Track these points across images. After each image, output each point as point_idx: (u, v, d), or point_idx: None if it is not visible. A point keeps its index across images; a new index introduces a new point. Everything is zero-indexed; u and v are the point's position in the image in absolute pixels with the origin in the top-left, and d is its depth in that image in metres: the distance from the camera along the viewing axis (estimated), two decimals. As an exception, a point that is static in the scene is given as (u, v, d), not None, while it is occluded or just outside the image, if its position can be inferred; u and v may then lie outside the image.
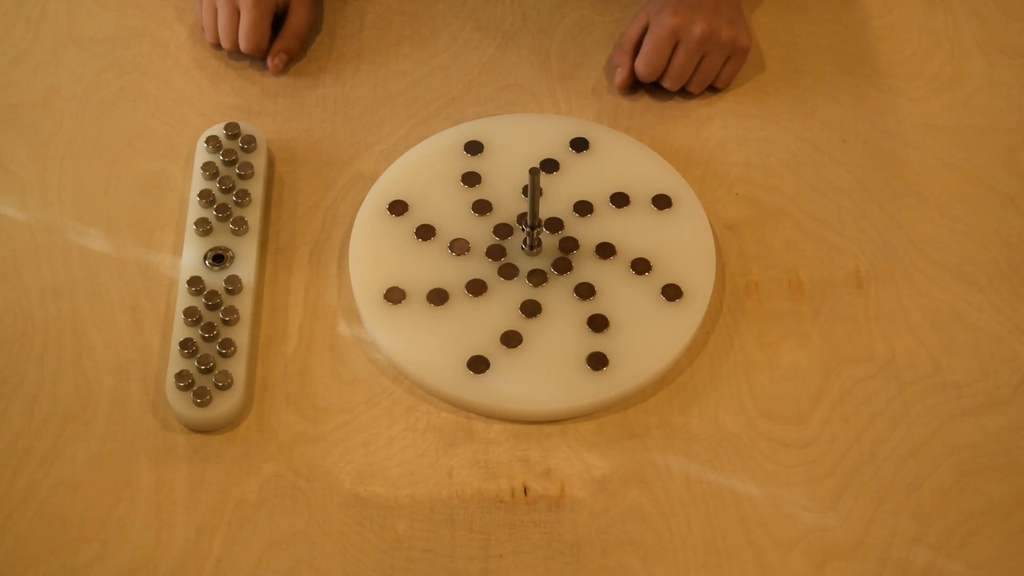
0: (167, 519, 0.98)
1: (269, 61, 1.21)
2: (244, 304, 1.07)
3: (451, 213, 1.12)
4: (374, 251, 1.10)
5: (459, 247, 1.10)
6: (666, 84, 1.20)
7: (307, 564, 0.97)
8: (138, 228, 1.13)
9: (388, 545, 0.98)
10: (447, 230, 1.11)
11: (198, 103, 1.20)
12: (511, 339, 1.05)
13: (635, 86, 1.21)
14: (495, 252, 1.10)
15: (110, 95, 1.21)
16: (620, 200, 1.12)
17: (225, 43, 1.21)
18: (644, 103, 1.21)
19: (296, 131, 1.18)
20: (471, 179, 1.14)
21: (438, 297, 1.07)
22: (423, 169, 1.14)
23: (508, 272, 1.08)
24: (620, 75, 1.20)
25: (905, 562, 0.97)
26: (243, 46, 1.20)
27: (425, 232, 1.11)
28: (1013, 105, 1.21)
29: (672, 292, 1.07)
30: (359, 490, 1.00)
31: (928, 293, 1.10)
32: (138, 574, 0.96)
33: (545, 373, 1.04)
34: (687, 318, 1.06)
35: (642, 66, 1.19)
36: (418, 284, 1.08)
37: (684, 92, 1.21)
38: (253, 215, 1.11)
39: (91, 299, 1.09)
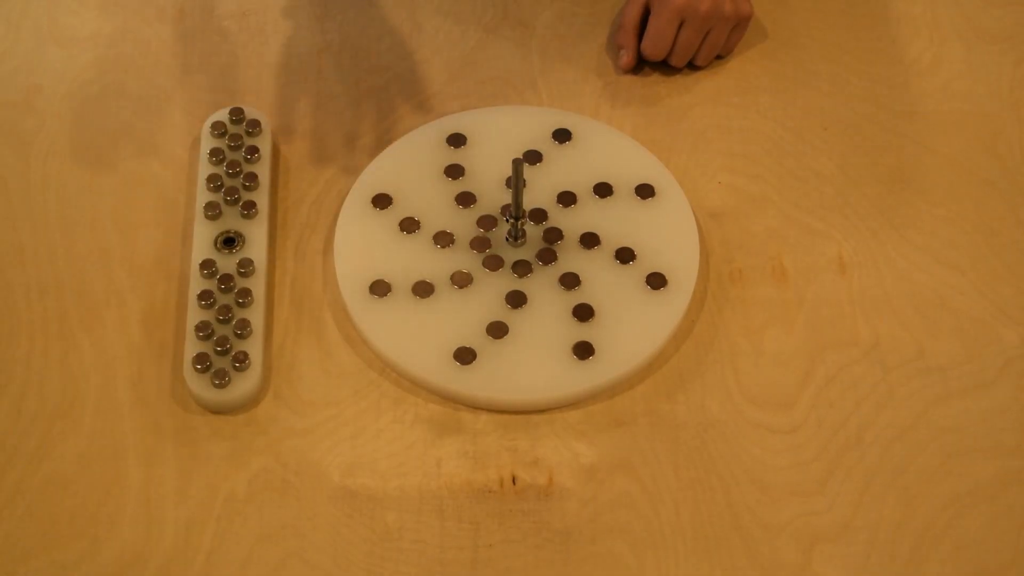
0: (157, 514, 0.98)
1: None
2: (257, 286, 1.07)
3: (435, 206, 1.12)
4: (359, 245, 1.10)
5: (443, 239, 1.10)
6: (673, 62, 1.21)
7: (298, 557, 0.97)
8: (122, 225, 1.13)
9: (378, 536, 0.98)
10: (431, 223, 1.11)
11: (180, 101, 1.20)
12: (497, 330, 1.05)
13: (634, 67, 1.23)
14: (479, 244, 1.10)
15: (92, 94, 1.21)
16: (603, 190, 1.13)
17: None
18: (626, 94, 1.21)
19: (278, 127, 1.18)
20: (454, 171, 1.14)
21: (423, 289, 1.07)
22: (406, 162, 1.15)
23: (493, 263, 1.09)
24: (625, 57, 1.21)
25: (892, 544, 0.98)
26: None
27: (409, 225, 1.11)
28: (992, 90, 1.22)
29: (657, 281, 1.08)
30: (348, 483, 1.00)
31: (911, 278, 1.10)
32: (129, 569, 0.96)
33: (531, 363, 1.04)
34: (672, 306, 1.07)
35: (650, 47, 1.20)
36: (403, 277, 1.08)
37: (667, 81, 1.22)
38: (261, 198, 1.12)
39: (76, 297, 1.09)
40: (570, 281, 1.08)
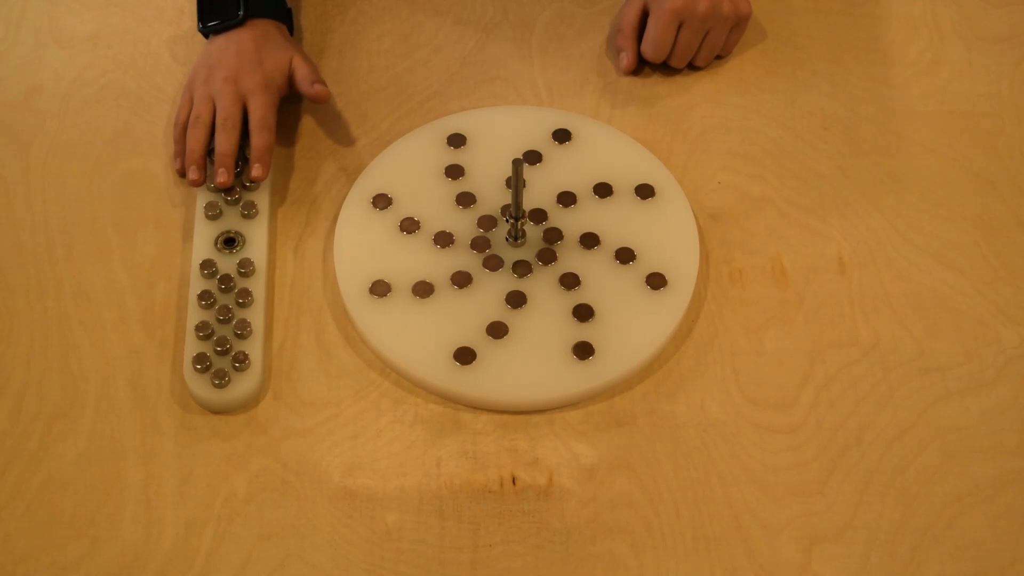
0: (156, 515, 0.98)
1: (314, 87, 1.14)
2: (257, 286, 1.07)
3: (435, 206, 1.12)
4: (359, 245, 1.10)
5: (443, 239, 1.10)
6: (673, 63, 1.21)
7: (297, 557, 0.97)
8: (122, 226, 1.13)
9: (377, 537, 0.98)
10: (431, 223, 1.11)
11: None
12: (497, 330, 1.05)
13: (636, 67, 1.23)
14: (480, 244, 1.10)
15: (92, 94, 1.21)
16: (603, 190, 1.13)
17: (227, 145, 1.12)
18: (626, 94, 1.21)
19: (279, 126, 1.18)
20: (454, 172, 1.14)
21: (423, 289, 1.07)
22: (406, 163, 1.15)
23: (493, 263, 1.09)
24: (626, 59, 1.21)
25: (892, 544, 0.98)
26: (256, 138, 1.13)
27: (409, 225, 1.11)
28: (992, 90, 1.22)
29: (656, 281, 1.08)
30: (348, 483, 1.00)
31: (911, 278, 1.10)
32: (128, 569, 0.96)
33: (531, 363, 1.04)
34: (672, 306, 1.07)
35: (650, 49, 1.20)
36: (403, 277, 1.08)
37: (667, 81, 1.22)
38: (262, 198, 1.12)
39: (76, 297, 1.09)
40: (570, 281, 1.08)
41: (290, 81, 1.16)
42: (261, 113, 1.12)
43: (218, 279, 1.07)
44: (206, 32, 1.17)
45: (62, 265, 1.10)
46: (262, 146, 1.12)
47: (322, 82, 1.15)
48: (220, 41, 1.16)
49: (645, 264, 1.09)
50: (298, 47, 1.18)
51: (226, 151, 1.11)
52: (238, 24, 1.15)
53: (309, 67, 1.16)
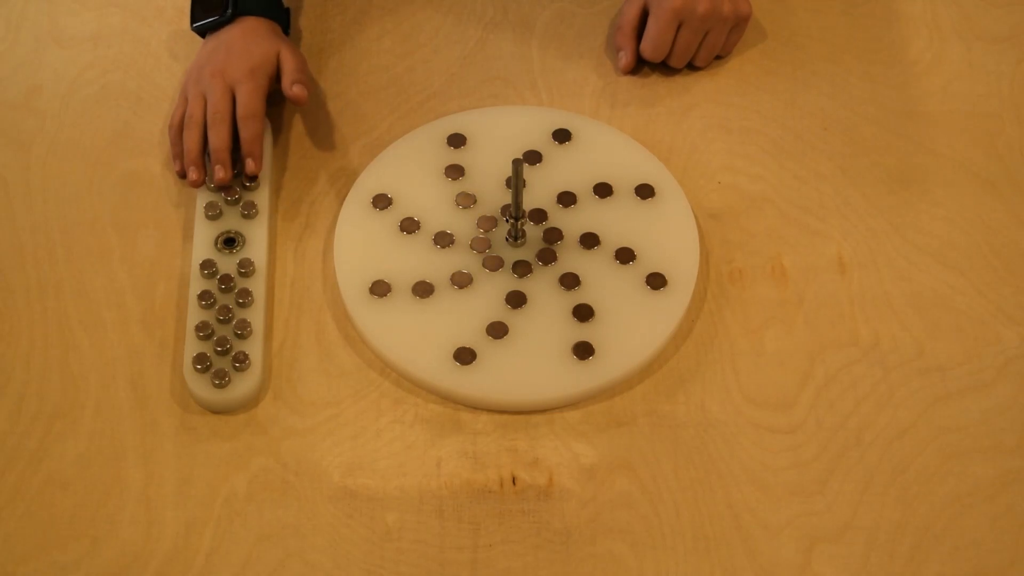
0: (157, 515, 0.98)
1: (292, 88, 1.14)
2: (257, 286, 1.07)
3: (435, 206, 1.12)
4: (359, 245, 1.10)
5: (443, 239, 1.10)
6: (672, 63, 1.21)
7: (297, 557, 0.97)
8: (122, 226, 1.13)
9: (378, 537, 0.98)
10: (431, 223, 1.11)
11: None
12: (497, 330, 1.05)
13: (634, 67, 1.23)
14: (480, 244, 1.10)
15: (92, 94, 1.21)
16: (603, 190, 1.13)
17: (220, 137, 1.11)
18: (626, 94, 1.21)
19: (278, 126, 1.18)
20: (454, 172, 1.14)
21: (423, 290, 1.07)
22: (406, 163, 1.15)
23: (493, 264, 1.09)
24: (625, 58, 1.21)
25: (892, 544, 0.98)
26: (242, 118, 1.13)
27: (409, 225, 1.11)
28: (992, 90, 1.22)
29: (656, 281, 1.08)
30: (348, 483, 1.00)
31: (911, 278, 1.10)
32: (128, 570, 0.96)
33: (531, 363, 1.04)
34: (672, 306, 1.07)
35: (649, 49, 1.20)
36: (403, 277, 1.08)
37: (667, 81, 1.22)
38: (262, 198, 1.12)
39: (76, 297, 1.09)
40: (570, 281, 1.08)
41: (279, 73, 1.16)
42: (246, 102, 1.12)
43: (218, 279, 1.07)
44: (198, 31, 1.17)
45: (62, 265, 1.11)
46: (249, 137, 1.11)
47: (303, 82, 1.14)
48: (212, 42, 1.16)
49: (645, 264, 1.09)
50: (288, 42, 1.17)
51: (218, 146, 1.11)
52: (227, 22, 1.16)
53: (295, 63, 1.15)
